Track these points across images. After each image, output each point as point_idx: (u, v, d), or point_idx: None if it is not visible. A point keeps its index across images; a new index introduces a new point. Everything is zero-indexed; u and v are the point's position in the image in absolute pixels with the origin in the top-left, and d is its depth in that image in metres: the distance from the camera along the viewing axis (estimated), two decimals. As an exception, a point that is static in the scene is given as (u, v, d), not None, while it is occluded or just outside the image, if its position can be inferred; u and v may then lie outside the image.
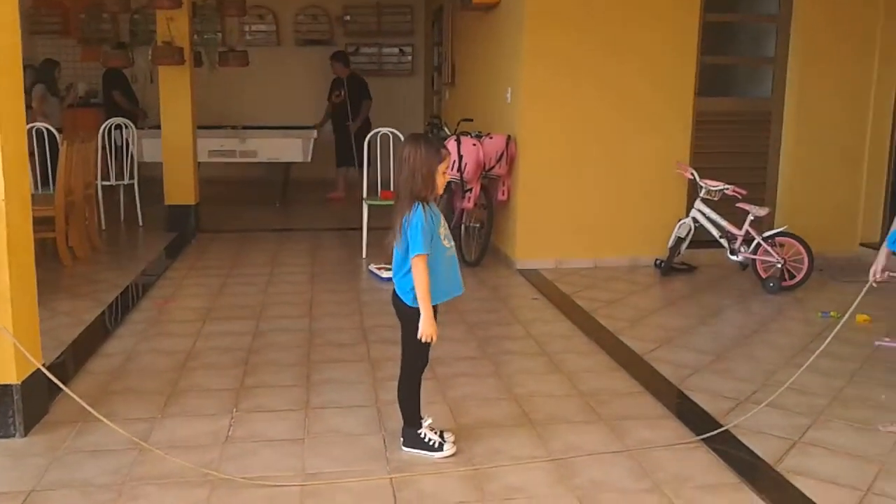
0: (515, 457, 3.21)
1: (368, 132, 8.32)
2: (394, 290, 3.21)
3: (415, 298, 3.10)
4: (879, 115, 6.72)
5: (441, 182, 3.10)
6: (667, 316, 5.31)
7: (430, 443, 3.21)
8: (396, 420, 3.33)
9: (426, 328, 3.07)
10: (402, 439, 3.27)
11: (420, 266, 3.03)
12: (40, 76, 9.00)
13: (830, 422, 3.56)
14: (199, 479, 3.00)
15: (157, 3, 7.48)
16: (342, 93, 10.06)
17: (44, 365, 3.48)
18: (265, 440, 3.35)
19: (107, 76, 10.03)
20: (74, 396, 3.28)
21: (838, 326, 3.63)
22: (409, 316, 3.15)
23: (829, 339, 3.65)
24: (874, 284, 3.48)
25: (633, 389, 3.97)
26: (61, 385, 3.36)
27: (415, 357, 3.22)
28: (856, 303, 3.54)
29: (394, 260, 3.16)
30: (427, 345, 3.15)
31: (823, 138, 6.70)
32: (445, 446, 3.21)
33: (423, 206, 3.06)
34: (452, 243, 3.21)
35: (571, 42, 6.25)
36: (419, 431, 3.22)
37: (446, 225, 3.19)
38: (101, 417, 3.21)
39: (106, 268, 6.47)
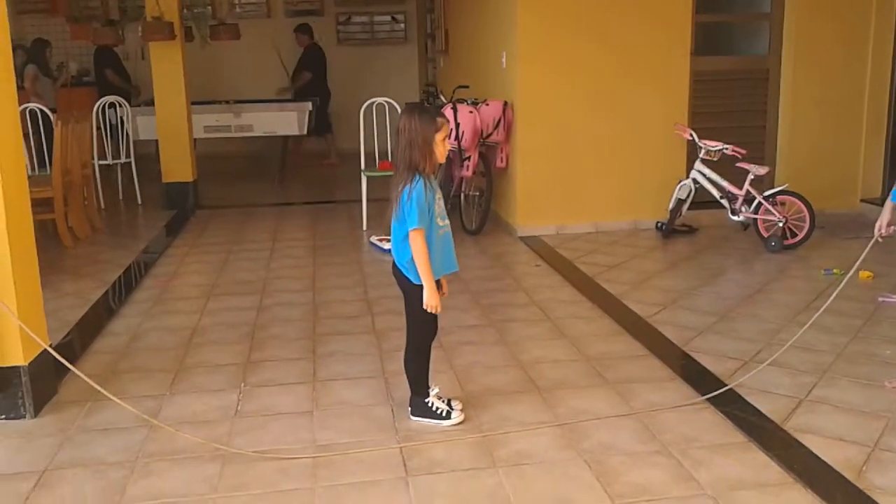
0: (523, 422, 3.23)
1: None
2: (393, 262, 3.21)
3: (413, 272, 3.10)
4: (877, 68, 6.66)
5: (441, 151, 3.08)
6: (669, 278, 5.32)
7: (438, 411, 3.23)
8: (404, 390, 3.35)
9: (430, 299, 3.08)
10: (410, 409, 3.28)
11: (418, 240, 3.03)
12: (31, 56, 8.91)
13: (836, 379, 3.58)
14: (210, 454, 3.02)
15: (145, -22, 7.39)
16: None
17: (50, 345, 3.48)
18: (274, 414, 3.36)
19: (98, 54, 9.93)
20: (82, 376, 3.30)
21: (842, 283, 3.63)
22: (409, 287, 3.16)
23: (833, 296, 3.67)
24: (879, 239, 3.47)
25: (637, 353, 3.99)
26: (69, 365, 3.37)
27: (419, 327, 3.22)
28: (861, 258, 3.54)
29: (392, 231, 3.15)
30: (432, 315, 3.16)
31: (822, 94, 6.66)
32: (453, 414, 3.23)
33: (424, 179, 3.04)
34: (447, 221, 3.19)
35: (565, 6, 6.18)
36: (427, 400, 3.24)
37: (442, 202, 3.17)
38: (111, 396, 3.22)
39: (107, 247, 6.46)
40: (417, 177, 3.03)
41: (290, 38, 10.76)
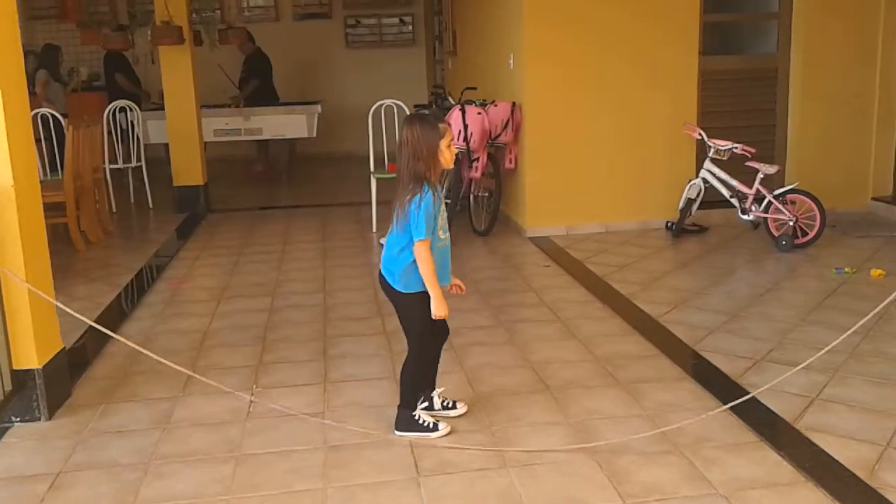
0: (534, 423, 3.24)
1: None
2: (380, 272, 3.14)
3: (402, 282, 3.05)
4: (887, 66, 6.64)
5: (447, 157, 3.03)
6: (680, 278, 5.31)
7: (425, 424, 3.14)
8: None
9: (438, 308, 3.03)
10: (395, 423, 3.18)
11: (423, 250, 2.98)
12: (42, 62, 8.97)
13: (848, 378, 3.57)
14: (223, 456, 3.03)
15: (154, -17, 7.43)
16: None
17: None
18: (286, 415, 3.37)
19: (108, 59, 9.98)
20: (133, 344, 3.31)
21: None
22: (399, 298, 3.11)
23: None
24: None
25: (648, 353, 3.98)
26: (112, 334, 3.38)
27: (416, 337, 3.15)
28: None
29: (388, 241, 3.09)
30: (428, 323, 3.09)
31: (831, 92, 6.64)
32: (440, 426, 3.16)
33: (433, 190, 2.99)
34: (448, 234, 3.14)
35: (572, 7, 6.18)
36: (413, 414, 3.17)
37: (446, 215, 3.12)
38: (159, 358, 3.24)
39: (119, 251, 6.50)
40: (426, 187, 2.98)
41: (301, 41, 10.79)
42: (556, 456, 2.98)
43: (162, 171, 8.50)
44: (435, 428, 3.16)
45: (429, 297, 3.04)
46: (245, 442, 3.15)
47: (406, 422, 3.18)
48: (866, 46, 6.61)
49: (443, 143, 3.01)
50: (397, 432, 3.18)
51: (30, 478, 2.94)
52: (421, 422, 3.17)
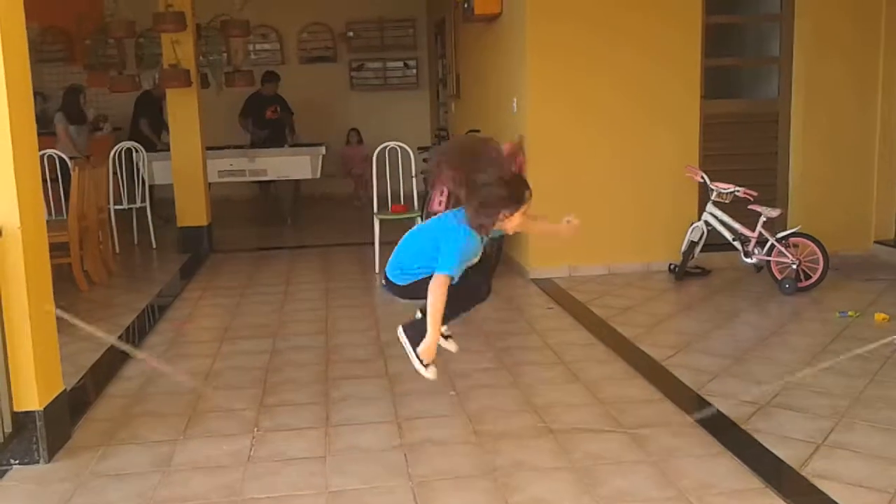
0: (538, 468, 3.20)
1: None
2: (385, 277, 3.20)
3: (401, 275, 3.11)
4: (888, 108, 6.69)
5: (512, 225, 3.03)
6: (683, 321, 5.30)
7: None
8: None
9: (427, 352, 3.06)
10: (404, 326, 3.20)
11: (441, 285, 2.95)
12: (64, 104, 8.97)
13: (854, 424, 3.54)
14: (223, 500, 3.00)
15: (161, 27, 7.54)
16: (277, 108, 10.04)
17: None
18: (287, 459, 3.34)
19: (138, 102, 9.73)
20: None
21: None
22: (413, 286, 3.12)
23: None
24: None
25: (652, 397, 3.95)
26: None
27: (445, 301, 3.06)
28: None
29: (410, 236, 3.13)
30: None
31: (833, 136, 6.68)
32: (431, 368, 3.19)
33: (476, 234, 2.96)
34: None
35: (575, 50, 6.26)
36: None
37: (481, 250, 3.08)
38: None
39: (122, 291, 6.50)
40: (468, 229, 2.95)
41: (307, 84, 10.88)
42: (560, 502, 2.94)
43: (168, 212, 8.53)
44: (427, 365, 3.18)
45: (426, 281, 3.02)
46: (246, 486, 3.11)
47: (416, 335, 3.18)
48: (866, 90, 6.67)
49: (518, 212, 2.99)
50: (402, 332, 3.25)
51: (27, 522, 2.91)
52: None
